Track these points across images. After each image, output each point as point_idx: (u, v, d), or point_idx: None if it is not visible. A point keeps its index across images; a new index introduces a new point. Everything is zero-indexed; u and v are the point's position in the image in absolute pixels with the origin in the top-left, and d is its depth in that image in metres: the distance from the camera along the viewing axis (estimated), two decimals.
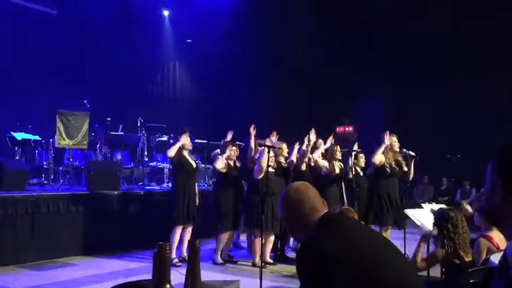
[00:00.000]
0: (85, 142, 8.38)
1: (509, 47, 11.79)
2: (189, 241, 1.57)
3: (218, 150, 7.32)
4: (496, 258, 3.08)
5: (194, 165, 6.78)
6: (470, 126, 12.44)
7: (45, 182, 8.54)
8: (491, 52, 11.98)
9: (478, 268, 3.17)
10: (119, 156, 9.67)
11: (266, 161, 5.90)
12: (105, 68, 11.55)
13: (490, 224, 3.63)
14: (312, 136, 7.15)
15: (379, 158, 6.56)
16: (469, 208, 5.36)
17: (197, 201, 6.76)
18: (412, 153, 6.67)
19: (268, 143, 6.43)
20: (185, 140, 6.69)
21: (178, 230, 6.50)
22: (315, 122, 12.72)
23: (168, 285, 1.15)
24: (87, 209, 7.15)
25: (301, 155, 7.07)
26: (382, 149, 6.56)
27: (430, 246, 5.68)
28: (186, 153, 6.71)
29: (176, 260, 6.28)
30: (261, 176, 6.37)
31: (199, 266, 1.19)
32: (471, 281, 2.86)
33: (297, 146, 7.04)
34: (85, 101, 8.87)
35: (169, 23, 14.36)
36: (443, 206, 4.84)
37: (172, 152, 6.49)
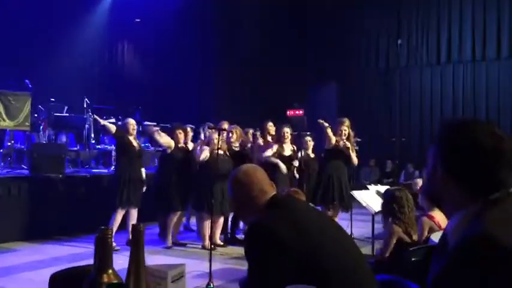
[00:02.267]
0: (27, 123, 8.04)
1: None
2: (132, 224, 1.53)
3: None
4: (436, 237, 3.21)
5: (137, 147, 6.66)
6: (413, 111, 12.90)
7: None
8: (435, 38, 12.40)
9: (419, 247, 3.30)
10: (63, 139, 9.34)
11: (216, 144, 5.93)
12: (48, 47, 11.06)
13: (431, 204, 3.78)
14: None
15: (332, 138, 6.63)
16: (420, 183, 5.56)
17: (144, 187, 6.69)
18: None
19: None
20: (129, 123, 6.59)
21: (119, 214, 6.40)
22: (266, 105, 12.91)
23: (110, 271, 1.12)
24: (30, 192, 6.90)
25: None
26: (329, 131, 6.64)
27: (376, 225, 5.89)
28: (131, 137, 6.59)
29: (114, 243, 6.19)
30: (202, 158, 6.39)
31: (143, 250, 1.16)
32: (413, 259, 2.97)
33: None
34: (26, 80, 8.48)
35: (117, 1, 13.87)
36: (388, 187, 4.99)
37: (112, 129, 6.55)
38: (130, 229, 6.20)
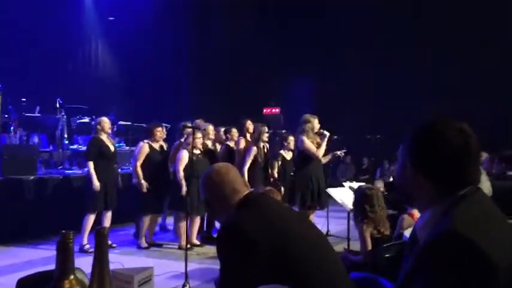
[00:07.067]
0: None
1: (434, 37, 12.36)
2: (96, 228, 1.51)
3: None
4: (409, 232, 3.24)
5: (112, 148, 6.56)
6: (389, 107, 13.01)
7: None
8: (416, 35, 12.52)
9: (393, 243, 3.33)
10: (36, 139, 9.14)
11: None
12: (19, 45, 10.81)
13: (401, 201, 3.81)
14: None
15: (309, 145, 6.56)
16: (381, 187, 5.60)
17: (120, 184, 6.62)
18: (326, 132, 6.68)
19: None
20: (104, 122, 6.48)
21: (92, 217, 6.31)
22: (241, 104, 12.87)
23: (72, 277, 1.08)
24: (1, 195, 6.71)
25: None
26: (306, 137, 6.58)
27: (351, 221, 5.91)
28: (104, 137, 6.48)
29: (88, 246, 6.12)
30: (182, 168, 6.37)
31: (107, 254, 1.12)
32: (386, 255, 2.99)
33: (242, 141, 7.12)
34: None
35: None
36: (363, 184, 5.02)
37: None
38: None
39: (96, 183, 6.19)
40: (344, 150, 7.17)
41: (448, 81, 12.26)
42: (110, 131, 6.67)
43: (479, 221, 1.30)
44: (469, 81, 11.89)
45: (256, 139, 7.01)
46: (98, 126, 6.48)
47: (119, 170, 8.16)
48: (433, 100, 11.98)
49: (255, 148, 6.85)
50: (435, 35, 12.36)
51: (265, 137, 7.13)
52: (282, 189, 6.99)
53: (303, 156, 6.65)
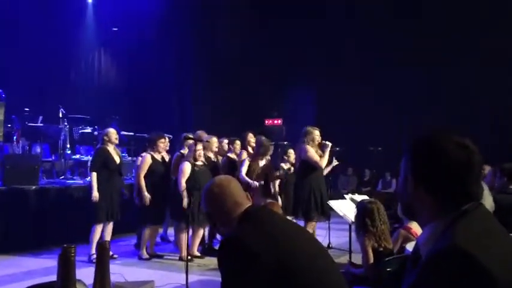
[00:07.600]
0: (0, 134, 7.87)
1: (435, 44, 12.38)
2: (98, 242, 1.49)
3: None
4: (411, 246, 3.23)
5: (118, 160, 6.55)
6: (391, 120, 13.00)
7: None
8: (416, 48, 12.54)
9: (394, 257, 3.31)
10: (38, 149, 9.16)
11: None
12: (23, 55, 10.88)
13: (404, 215, 3.78)
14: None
15: (312, 154, 6.57)
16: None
17: (127, 194, 6.61)
18: (328, 143, 6.69)
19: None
20: (111, 133, 6.48)
21: (99, 227, 6.29)
22: (244, 115, 12.91)
23: None
24: (2, 204, 6.72)
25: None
26: (309, 148, 6.60)
27: (353, 233, 5.90)
28: (111, 148, 6.48)
29: (95, 255, 6.09)
30: (184, 180, 6.35)
31: (108, 267, 1.13)
32: (388, 269, 2.98)
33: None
34: (0, 90, 8.32)
35: (93, 10, 13.76)
36: (365, 196, 5.01)
37: None
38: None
39: (95, 194, 6.17)
40: (335, 162, 7.20)
41: (448, 86, 12.22)
42: (116, 142, 6.64)
43: (480, 236, 1.30)
44: (469, 86, 11.84)
45: (258, 154, 7.00)
46: (105, 137, 6.47)
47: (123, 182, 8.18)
48: (433, 108, 11.97)
49: (247, 159, 6.91)
50: (436, 34, 12.31)
51: (269, 154, 7.21)
52: (280, 200, 7.01)
53: (305, 166, 6.63)
